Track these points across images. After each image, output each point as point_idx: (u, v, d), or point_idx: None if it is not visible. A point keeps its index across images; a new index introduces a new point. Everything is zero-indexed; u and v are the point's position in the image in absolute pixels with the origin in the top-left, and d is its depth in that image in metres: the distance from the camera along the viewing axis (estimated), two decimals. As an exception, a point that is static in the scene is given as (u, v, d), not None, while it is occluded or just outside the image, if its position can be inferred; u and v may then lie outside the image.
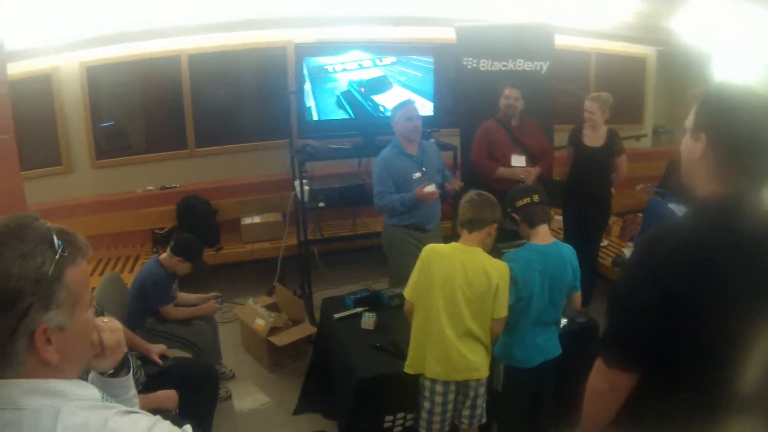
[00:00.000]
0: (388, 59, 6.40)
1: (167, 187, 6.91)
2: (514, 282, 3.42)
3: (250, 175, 7.21)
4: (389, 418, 3.91)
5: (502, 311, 3.38)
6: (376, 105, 6.41)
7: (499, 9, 7.11)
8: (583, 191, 5.86)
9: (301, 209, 6.11)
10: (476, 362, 3.42)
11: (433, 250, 3.49)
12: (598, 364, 1.90)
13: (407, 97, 6.12)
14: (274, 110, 7.08)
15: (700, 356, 1.71)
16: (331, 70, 6.16)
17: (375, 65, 6.35)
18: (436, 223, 5.27)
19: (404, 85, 6.48)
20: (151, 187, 6.89)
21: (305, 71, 6.04)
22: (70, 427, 1.21)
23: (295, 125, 6.37)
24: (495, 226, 3.47)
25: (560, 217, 6.17)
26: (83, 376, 1.46)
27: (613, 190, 6.05)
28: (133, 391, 1.72)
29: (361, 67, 6.29)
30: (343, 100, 6.26)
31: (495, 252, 3.54)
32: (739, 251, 1.67)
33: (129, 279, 5.04)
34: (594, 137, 5.77)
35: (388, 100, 6.35)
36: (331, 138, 6.38)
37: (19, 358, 1.22)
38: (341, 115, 6.30)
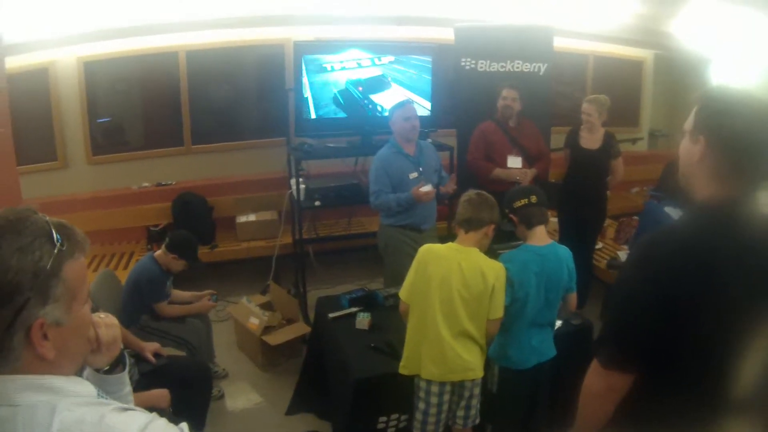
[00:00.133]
0: (387, 58, 6.39)
1: (163, 184, 6.88)
2: (510, 283, 3.41)
3: (246, 172, 7.19)
4: (383, 419, 3.92)
5: (498, 312, 3.37)
6: (374, 104, 6.40)
7: (499, 10, 7.11)
8: (579, 193, 5.88)
9: (297, 208, 6.10)
10: (472, 362, 3.41)
11: (429, 250, 3.47)
12: (595, 366, 1.89)
13: (405, 97, 6.13)
14: (272, 108, 7.09)
15: (698, 358, 1.71)
16: (329, 68, 6.15)
17: (374, 64, 6.35)
18: (431, 224, 5.27)
19: (402, 85, 6.47)
20: (146, 184, 6.87)
21: (303, 69, 6.02)
22: (66, 424, 1.20)
23: (293, 123, 6.36)
24: (492, 226, 3.46)
25: (556, 219, 6.17)
26: (78, 373, 1.45)
27: (608, 192, 6.06)
28: (129, 388, 1.71)
29: (359, 66, 6.28)
30: (340, 99, 6.25)
31: (491, 253, 3.53)
32: (737, 254, 1.67)
33: (123, 276, 5.01)
34: (591, 139, 5.78)
35: (386, 100, 6.34)
36: (329, 137, 6.37)
37: (15, 353, 1.21)
38: (339, 113, 6.29)
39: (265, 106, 7.25)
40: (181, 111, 6.90)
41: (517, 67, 6.60)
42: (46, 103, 6.28)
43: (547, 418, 3.96)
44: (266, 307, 5.56)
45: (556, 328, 3.82)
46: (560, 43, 7.19)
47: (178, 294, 5.01)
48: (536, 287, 3.47)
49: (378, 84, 6.39)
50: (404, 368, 3.54)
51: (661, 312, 1.69)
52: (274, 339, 5.19)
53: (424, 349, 3.41)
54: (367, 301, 4.68)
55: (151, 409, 1.38)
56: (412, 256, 3.56)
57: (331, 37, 6.67)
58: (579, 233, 5.79)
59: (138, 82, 6.83)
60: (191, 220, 6.46)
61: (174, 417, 1.45)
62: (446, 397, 3.48)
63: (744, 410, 1.75)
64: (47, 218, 1.28)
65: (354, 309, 4.54)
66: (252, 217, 6.85)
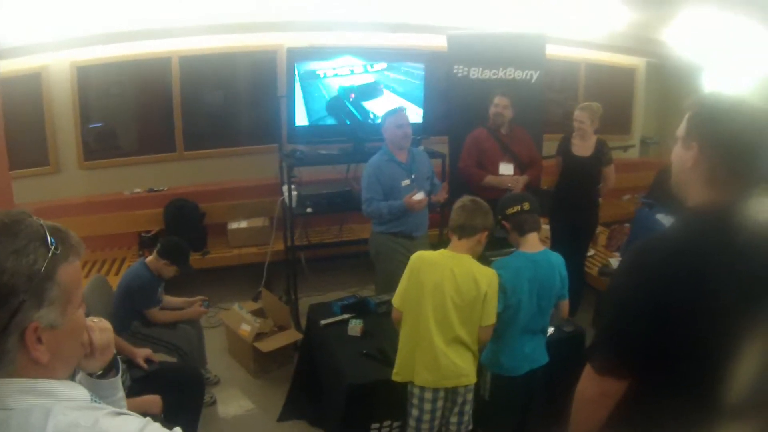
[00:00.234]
0: (380, 65, 6.40)
1: (155, 190, 6.87)
2: (502, 290, 3.42)
3: (238, 179, 7.18)
4: (375, 425, 3.91)
5: (491, 318, 3.37)
6: (366, 111, 6.40)
7: (491, 18, 7.13)
8: (571, 200, 5.89)
9: (288, 214, 6.11)
10: (465, 368, 3.41)
11: (421, 257, 3.47)
12: (588, 371, 1.90)
13: (398, 104, 6.14)
14: (264, 114, 7.09)
15: (691, 364, 1.72)
16: (322, 75, 6.15)
17: (366, 71, 6.35)
18: (423, 231, 5.27)
19: (395, 92, 6.48)
20: (138, 190, 6.85)
21: (296, 75, 6.02)
22: (60, 428, 1.20)
23: (285, 130, 6.36)
24: (486, 233, 3.46)
25: (548, 226, 6.18)
26: (71, 377, 1.45)
27: (600, 199, 6.07)
28: (122, 393, 1.71)
29: (352, 72, 6.28)
30: (333, 106, 6.25)
31: (483, 260, 3.54)
32: (729, 260, 1.67)
33: (115, 282, 4.99)
34: (583, 147, 5.80)
35: (378, 107, 6.36)
36: (321, 143, 6.37)
37: (9, 356, 1.21)
38: (331, 120, 6.29)
39: (258, 113, 7.25)
40: (173, 116, 6.88)
41: (510, 75, 6.61)
42: (39, 107, 6.25)
43: (540, 425, 3.97)
44: (258, 313, 5.55)
45: (548, 334, 3.83)
46: (553, 51, 7.21)
47: (170, 300, 4.99)
48: (529, 294, 3.47)
49: (371, 91, 6.40)
50: (397, 375, 3.53)
51: (654, 318, 1.69)
52: (266, 346, 5.18)
53: (417, 355, 3.41)
54: (359, 308, 4.68)
55: (143, 415, 1.37)
56: (403, 263, 3.56)
57: (324, 44, 6.67)
58: (571, 240, 5.79)
59: (131, 87, 6.81)
60: (183, 227, 6.45)
61: (166, 423, 1.45)
62: (440, 404, 3.47)
63: (737, 416, 1.75)
64: (42, 221, 1.28)
65: (346, 316, 4.54)
66: (244, 224, 6.83)
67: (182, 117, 6.92)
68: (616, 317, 1.86)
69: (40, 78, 6.19)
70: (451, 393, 3.48)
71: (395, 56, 6.57)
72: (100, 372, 1.63)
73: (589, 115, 5.71)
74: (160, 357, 4.31)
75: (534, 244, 3.58)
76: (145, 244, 6.39)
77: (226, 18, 6.49)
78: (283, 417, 4.68)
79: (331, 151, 6.36)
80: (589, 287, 6.06)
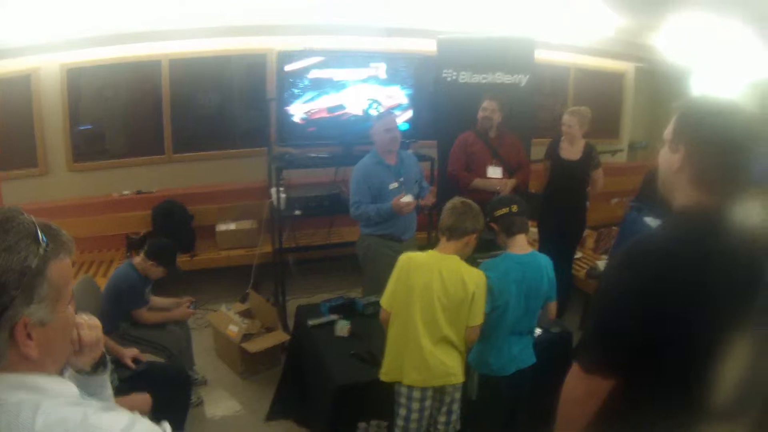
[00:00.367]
0: (370, 69, 6.41)
1: (143, 192, 6.85)
2: (490, 291, 3.43)
3: (226, 181, 7.18)
4: (363, 425, 3.91)
5: (478, 319, 3.38)
6: (356, 115, 6.41)
7: (481, 22, 7.15)
8: (559, 204, 5.93)
9: (277, 217, 6.11)
10: (453, 367, 3.43)
11: (410, 258, 3.48)
12: (575, 371, 1.90)
13: (387, 108, 6.17)
14: (253, 117, 7.10)
15: (680, 364, 1.72)
16: (312, 78, 6.15)
17: (356, 75, 6.36)
18: (411, 234, 5.28)
19: (385, 95, 6.49)
20: (127, 192, 6.83)
21: (286, 79, 6.03)
22: (49, 423, 1.20)
23: (275, 133, 6.36)
24: (475, 236, 3.47)
25: (536, 229, 6.20)
26: (60, 374, 1.45)
27: (588, 203, 6.10)
28: (110, 391, 1.72)
29: (342, 76, 6.30)
30: (323, 109, 6.25)
31: (471, 262, 3.54)
32: (717, 261, 1.68)
33: (103, 283, 4.98)
34: (571, 150, 5.83)
35: (367, 110, 6.37)
36: (310, 146, 6.37)
37: None
38: (321, 123, 6.29)
39: (247, 116, 7.27)
40: (162, 119, 6.88)
41: (499, 79, 6.61)
42: (29, 109, 6.25)
43: (527, 426, 3.98)
44: (246, 315, 5.56)
45: (536, 336, 3.84)
46: (542, 56, 7.24)
47: (158, 301, 4.99)
48: (516, 295, 3.48)
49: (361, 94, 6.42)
50: (385, 375, 3.54)
51: (641, 317, 1.70)
52: (254, 346, 5.18)
53: (405, 356, 3.41)
54: (347, 309, 4.69)
55: (132, 413, 1.38)
56: (391, 266, 3.56)
57: (314, 48, 6.68)
58: (559, 243, 5.81)
59: (121, 89, 6.81)
60: (171, 229, 6.43)
61: (154, 422, 1.46)
62: (428, 403, 3.48)
63: (724, 416, 1.76)
64: (33, 218, 1.29)
65: (334, 316, 4.54)
66: (232, 226, 6.83)
67: (171, 120, 6.92)
68: (603, 316, 1.86)
69: (30, 80, 6.19)
70: (439, 392, 3.50)
71: (385, 60, 6.55)
72: (89, 369, 1.63)
73: (578, 119, 5.74)
74: (148, 357, 4.30)
75: (522, 245, 3.59)
76: (133, 245, 6.37)
77: (216, 21, 6.51)
78: (271, 417, 4.68)
79: (321, 154, 6.36)
80: (576, 289, 6.09)
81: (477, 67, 6.56)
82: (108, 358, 1.71)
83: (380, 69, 6.44)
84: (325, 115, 6.26)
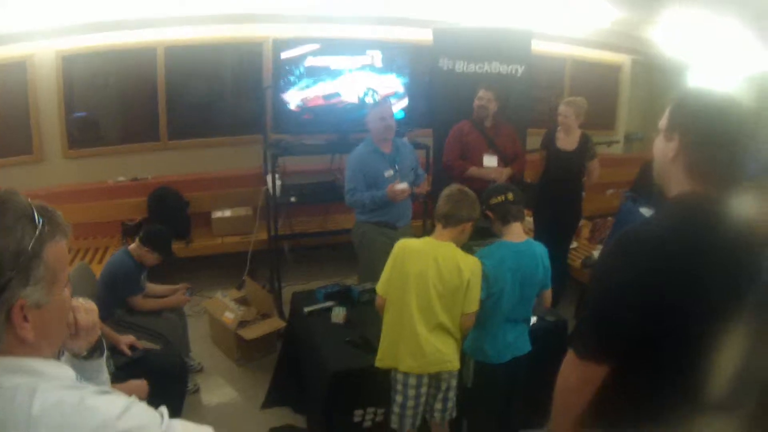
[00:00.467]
0: (366, 57, 6.40)
1: (139, 179, 6.85)
2: (485, 278, 3.44)
3: (222, 169, 7.17)
4: (359, 412, 3.92)
5: (473, 306, 3.39)
6: (351, 103, 6.41)
7: (477, 12, 7.14)
8: (554, 193, 5.93)
9: (272, 204, 6.11)
10: (449, 354, 3.43)
11: (405, 245, 3.49)
12: (570, 358, 1.90)
13: (383, 96, 6.17)
14: (249, 105, 7.08)
15: (675, 351, 1.73)
16: (308, 66, 6.14)
17: (352, 63, 6.35)
18: (406, 221, 5.28)
19: (381, 83, 6.48)
20: (122, 178, 6.82)
21: (282, 67, 6.02)
22: (46, 406, 1.20)
23: (270, 120, 6.35)
24: (471, 224, 3.48)
25: (531, 219, 6.20)
26: (57, 358, 1.45)
27: (584, 193, 6.11)
28: (106, 375, 1.72)
29: (338, 64, 6.29)
30: (319, 97, 6.25)
31: (467, 249, 3.54)
32: (711, 250, 1.69)
33: (98, 270, 4.98)
34: (567, 141, 5.83)
35: (363, 98, 6.37)
36: (305, 134, 6.37)
37: None
38: (316, 111, 6.28)
39: (243, 103, 7.24)
40: (158, 106, 6.86)
41: (495, 69, 6.60)
42: (24, 96, 6.22)
43: (523, 414, 3.99)
44: (241, 302, 5.55)
45: (531, 324, 3.85)
46: (539, 48, 7.24)
47: (153, 288, 5.00)
48: (511, 283, 3.49)
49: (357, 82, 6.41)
50: (381, 361, 3.55)
51: (637, 304, 1.71)
52: (249, 333, 5.19)
53: (401, 342, 3.42)
54: (343, 296, 4.69)
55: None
56: (386, 253, 3.57)
57: (309, 36, 6.66)
58: (554, 233, 5.81)
59: (116, 76, 6.77)
60: (167, 215, 6.44)
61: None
62: (424, 390, 3.49)
63: (718, 402, 1.77)
64: (29, 200, 1.29)
65: (329, 303, 4.55)
66: (227, 213, 6.83)
67: (167, 107, 6.90)
68: (597, 303, 1.87)
69: (26, 66, 6.15)
70: (435, 379, 3.50)
71: (381, 48, 6.54)
72: (86, 353, 1.63)
73: (574, 110, 5.74)
74: (144, 344, 4.30)
75: (518, 233, 3.60)
76: (129, 232, 6.38)
77: (212, 9, 6.49)
78: (267, 404, 4.70)
79: (316, 141, 6.36)
80: (572, 279, 6.10)
81: (473, 56, 6.56)
82: (104, 343, 1.71)
83: (376, 57, 6.43)
84: (320, 102, 6.25)
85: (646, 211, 5.37)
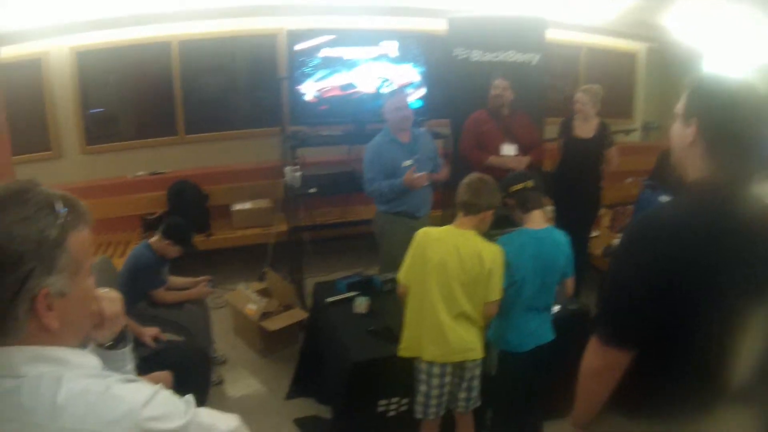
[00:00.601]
0: (381, 48, 6.39)
1: (157, 173, 6.87)
2: (506, 266, 3.43)
3: (240, 161, 7.19)
4: (383, 402, 3.93)
5: (496, 294, 3.39)
6: (367, 93, 6.40)
7: (492, 1, 7.10)
8: (573, 182, 5.90)
9: (292, 195, 6.12)
10: (472, 342, 3.43)
11: (426, 233, 3.49)
12: (593, 344, 1.91)
13: (399, 86, 6.16)
14: (266, 97, 7.09)
15: (694, 336, 1.74)
16: (323, 56, 6.14)
17: (367, 53, 6.35)
18: (426, 211, 5.28)
19: (397, 73, 6.47)
20: (141, 173, 6.85)
21: (297, 58, 6.02)
22: (71, 394, 1.20)
23: (287, 112, 6.35)
24: (491, 212, 3.47)
25: (551, 208, 6.17)
26: (82, 348, 1.46)
27: (602, 182, 6.07)
28: (132, 365, 1.71)
29: (353, 55, 6.28)
30: (335, 87, 6.24)
31: (488, 238, 3.53)
32: (729, 234, 1.70)
33: (119, 264, 5.01)
34: (585, 128, 5.80)
35: (379, 88, 6.36)
36: (323, 124, 6.37)
37: (19, 323, 1.21)
38: (333, 102, 6.28)
39: (259, 96, 7.26)
40: (174, 101, 6.89)
41: (511, 58, 6.61)
42: (39, 93, 6.27)
43: (545, 403, 3.98)
44: (263, 293, 5.58)
45: (553, 312, 3.83)
46: (553, 36, 7.21)
47: (175, 280, 5.02)
48: (533, 270, 3.48)
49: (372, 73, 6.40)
50: (404, 350, 3.55)
51: (655, 288, 1.72)
52: (272, 324, 5.21)
53: (424, 331, 3.42)
54: (365, 286, 4.69)
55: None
56: (406, 243, 3.57)
57: (323, 27, 6.65)
58: (573, 221, 5.76)
59: (131, 72, 6.80)
60: (186, 209, 6.47)
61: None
62: (448, 379, 3.49)
63: (741, 389, 1.77)
64: (51, 190, 1.29)
65: (352, 293, 4.55)
66: (247, 205, 6.86)
67: (183, 101, 6.93)
68: (619, 287, 1.87)
69: (41, 64, 6.20)
70: (459, 368, 3.50)
71: (396, 38, 6.54)
72: (111, 343, 1.64)
73: (590, 97, 5.73)
74: (168, 336, 4.32)
75: (538, 221, 3.58)
76: (149, 226, 6.40)
77: (225, 2, 6.50)
78: (291, 395, 4.72)
79: (334, 132, 6.36)
80: (593, 268, 6.07)
81: (488, 45, 6.56)
82: (129, 333, 1.71)
83: (391, 47, 6.44)
84: (337, 93, 6.27)
85: (665, 200, 5.33)
